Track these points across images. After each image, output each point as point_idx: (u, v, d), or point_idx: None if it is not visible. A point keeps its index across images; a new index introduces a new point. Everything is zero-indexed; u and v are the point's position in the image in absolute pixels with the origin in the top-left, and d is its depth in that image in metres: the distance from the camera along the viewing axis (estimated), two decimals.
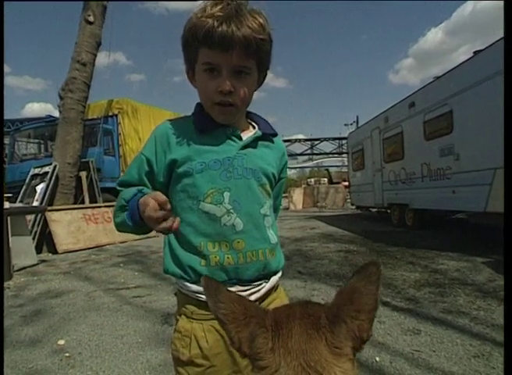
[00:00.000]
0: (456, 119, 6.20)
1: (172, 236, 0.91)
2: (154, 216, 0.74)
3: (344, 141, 30.25)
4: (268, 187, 0.94)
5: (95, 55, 8.18)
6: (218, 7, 0.81)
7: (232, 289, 0.85)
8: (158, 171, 0.91)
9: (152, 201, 0.75)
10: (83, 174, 8.12)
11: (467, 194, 5.86)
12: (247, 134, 0.94)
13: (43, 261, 5.82)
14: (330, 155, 39.22)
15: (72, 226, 7.08)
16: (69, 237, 6.90)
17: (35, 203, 6.98)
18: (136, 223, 0.82)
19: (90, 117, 9.56)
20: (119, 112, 10.00)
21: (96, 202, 8.17)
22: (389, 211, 10.06)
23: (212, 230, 0.86)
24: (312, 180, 31.33)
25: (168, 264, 0.91)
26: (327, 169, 34.63)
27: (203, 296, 0.86)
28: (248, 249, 0.87)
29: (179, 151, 0.89)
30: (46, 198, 7.09)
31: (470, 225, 7.26)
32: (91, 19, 7.89)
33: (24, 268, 5.23)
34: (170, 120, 0.96)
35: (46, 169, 7.52)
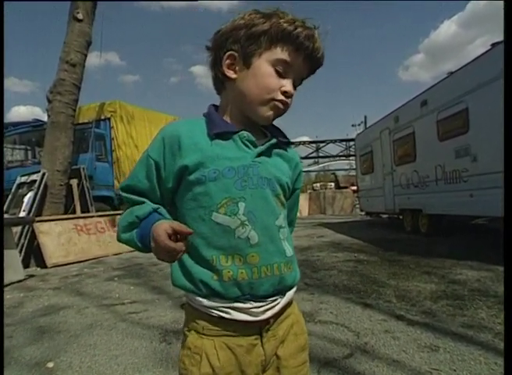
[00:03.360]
0: (472, 117, 6.18)
1: None
2: (172, 246, 0.77)
3: (352, 143, 30.23)
4: (282, 198, 0.95)
5: (85, 55, 8.21)
6: (307, 22, 0.89)
7: (247, 305, 0.87)
8: (166, 176, 0.90)
9: (169, 229, 0.77)
10: (74, 182, 8.13)
11: (485, 197, 5.82)
12: (261, 141, 0.94)
13: (31, 276, 5.80)
14: (337, 158, 39.11)
15: (62, 238, 7.07)
16: (59, 250, 6.88)
17: (22, 214, 6.97)
18: (146, 246, 0.83)
19: (80, 121, 9.61)
20: (111, 115, 10.05)
21: (88, 212, 8.17)
22: (401, 217, 10.02)
23: (226, 243, 0.86)
24: (318, 184, 31.31)
25: (177, 277, 0.90)
26: (334, 173, 34.64)
27: (215, 311, 0.87)
28: (263, 263, 0.87)
29: (190, 156, 0.87)
30: (34, 208, 7.07)
31: (490, 231, 7.22)
32: (80, 16, 7.93)
33: (10, 284, 5.21)
34: (179, 121, 0.96)
35: (34, 177, 7.52)
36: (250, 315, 0.87)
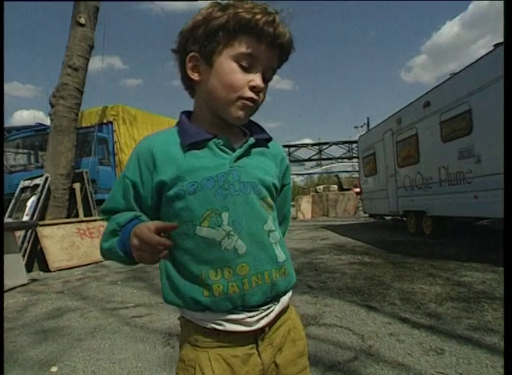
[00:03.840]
0: (476, 118, 6.17)
1: (169, 264, 0.88)
2: (156, 239, 0.73)
3: (354, 145, 30.21)
4: (269, 200, 0.91)
5: (88, 60, 8.24)
6: (268, 7, 0.84)
7: (240, 316, 0.85)
8: (146, 194, 0.87)
9: (152, 225, 0.75)
10: (77, 186, 8.14)
11: (490, 199, 5.80)
12: (239, 142, 0.90)
13: (34, 280, 5.81)
14: (339, 160, 39.11)
15: (65, 242, 7.09)
16: (62, 254, 6.90)
17: (25, 218, 6.99)
18: (126, 252, 0.80)
19: (83, 125, 9.64)
20: (114, 119, 10.08)
21: (91, 216, 8.19)
22: (404, 219, 10.00)
23: (213, 257, 0.83)
24: (321, 187, 31.23)
25: (167, 293, 0.88)
26: (336, 175, 34.60)
27: (208, 323, 0.85)
28: (253, 273, 0.84)
29: (166, 170, 0.84)
30: (37, 212, 7.09)
31: (495, 232, 7.19)
32: (83, 21, 7.97)
33: (14, 288, 5.22)
34: (152, 135, 0.92)
35: (37, 181, 7.54)
36: (245, 325, 0.85)
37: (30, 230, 6.70)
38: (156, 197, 0.87)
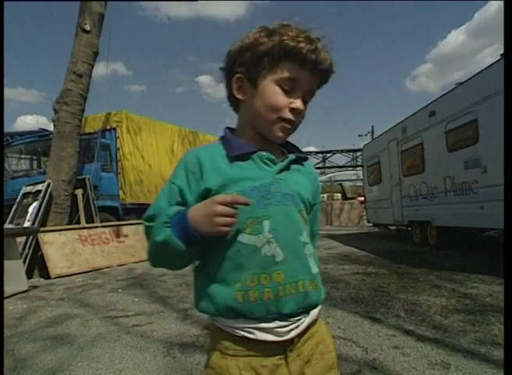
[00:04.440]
0: (481, 128, 6.17)
1: (204, 269, 0.92)
2: (226, 209, 0.79)
3: (359, 154, 30.25)
4: (305, 214, 0.96)
5: (92, 66, 8.32)
6: (310, 33, 0.89)
7: (271, 325, 0.87)
8: (191, 201, 0.90)
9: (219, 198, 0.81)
10: (79, 192, 8.17)
11: (496, 209, 5.76)
12: (279, 159, 0.96)
13: (34, 287, 5.81)
14: (344, 169, 39.12)
15: (66, 249, 7.09)
16: (63, 261, 6.90)
17: (26, 224, 7.00)
18: (186, 236, 0.81)
19: (86, 131, 9.69)
20: (117, 125, 10.12)
21: (93, 222, 8.19)
22: (409, 229, 9.96)
23: (252, 263, 0.86)
24: (325, 195, 31.24)
25: (200, 301, 0.91)
26: (340, 184, 34.52)
27: (239, 331, 0.87)
28: (288, 281, 0.87)
29: (213, 179, 0.89)
30: (39, 218, 7.11)
31: (501, 244, 7.13)
32: (88, 27, 8.05)
33: (13, 295, 5.21)
34: (199, 147, 0.98)
35: (39, 186, 7.57)
36: (275, 335, 0.87)
37: (31, 237, 6.71)
38: None
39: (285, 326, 0.88)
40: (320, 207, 1.09)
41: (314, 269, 0.94)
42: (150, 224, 0.89)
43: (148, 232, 0.89)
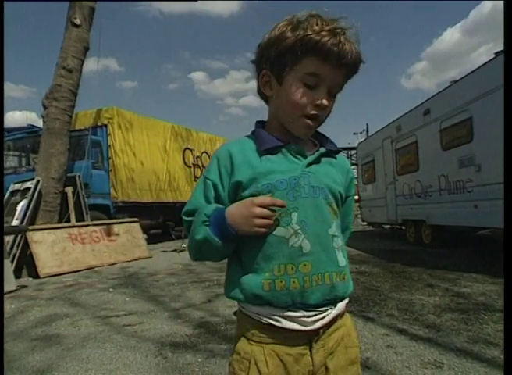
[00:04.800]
0: (476, 126, 6.21)
1: (235, 259, 0.95)
2: (265, 211, 0.85)
3: (353, 152, 30.28)
4: (335, 207, 0.97)
5: (82, 61, 8.25)
6: (335, 24, 0.88)
7: (297, 314, 0.89)
8: (224, 194, 0.95)
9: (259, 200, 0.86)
10: (69, 190, 8.12)
11: (490, 208, 5.82)
12: (310, 151, 0.98)
13: (23, 286, 5.76)
14: None
15: (56, 248, 7.05)
16: (52, 260, 6.85)
17: (15, 222, 6.95)
18: (222, 236, 0.87)
19: (77, 128, 9.62)
20: (108, 122, 10.07)
21: (83, 220, 8.15)
22: (403, 227, 10.02)
23: (280, 253, 0.89)
24: None
25: (229, 287, 0.95)
26: None
27: (266, 318, 0.91)
28: (314, 272, 0.89)
29: (243, 172, 0.92)
30: (27, 216, 7.06)
31: (495, 243, 7.20)
32: (78, 21, 7.99)
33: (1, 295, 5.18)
34: (231, 142, 1.01)
35: (28, 184, 7.51)
36: (300, 324, 0.90)
37: (19, 235, 6.66)
38: (233, 197, 0.95)
39: (311, 316, 0.90)
40: (353, 199, 1.11)
41: (342, 262, 0.95)
42: (188, 219, 0.96)
43: (187, 227, 0.95)
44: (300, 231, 0.89)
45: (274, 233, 0.89)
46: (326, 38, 0.86)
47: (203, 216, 0.89)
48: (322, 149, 0.98)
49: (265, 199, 0.86)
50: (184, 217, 0.97)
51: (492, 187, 5.79)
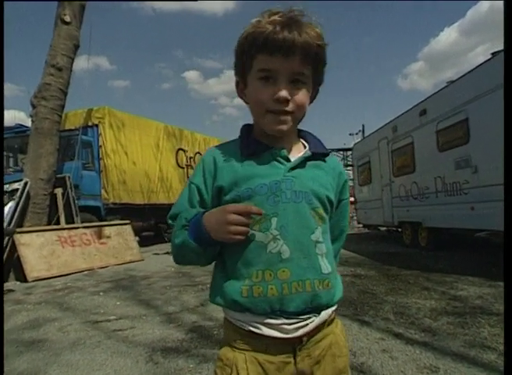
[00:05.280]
0: (473, 127, 6.25)
1: (222, 263, 0.96)
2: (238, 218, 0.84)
3: (349, 153, 30.37)
4: (321, 212, 0.96)
5: (72, 59, 8.21)
6: (278, 15, 0.88)
7: (277, 321, 0.89)
8: (208, 199, 0.97)
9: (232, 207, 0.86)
10: (59, 191, 8.07)
11: (487, 210, 5.86)
12: (297, 155, 0.98)
13: (10, 290, 5.72)
14: None
15: (44, 250, 6.99)
16: (41, 263, 6.80)
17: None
18: (198, 239, 0.88)
19: (66, 128, 9.57)
20: (99, 121, 10.03)
21: (73, 223, 8.10)
22: (400, 230, 10.05)
23: (258, 259, 0.89)
24: None
25: (213, 293, 0.96)
26: None
27: (246, 325, 0.91)
28: (294, 279, 0.89)
29: (225, 177, 0.94)
30: (15, 218, 6.98)
31: (492, 245, 7.24)
32: (67, 18, 7.94)
33: None
34: (217, 146, 1.03)
35: (15, 185, 7.44)
36: (281, 332, 0.89)
37: (6, 238, 6.60)
38: (216, 201, 0.96)
39: (292, 324, 0.89)
40: (348, 202, 1.11)
41: (326, 269, 0.94)
42: (172, 223, 0.98)
43: (177, 221, 0.96)
44: (279, 237, 0.89)
45: (253, 238, 0.89)
46: (267, 31, 0.86)
47: (183, 221, 0.91)
48: (308, 153, 0.98)
49: (239, 206, 0.86)
50: (169, 221, 0.99)
51: (488, 188, 5.82)
